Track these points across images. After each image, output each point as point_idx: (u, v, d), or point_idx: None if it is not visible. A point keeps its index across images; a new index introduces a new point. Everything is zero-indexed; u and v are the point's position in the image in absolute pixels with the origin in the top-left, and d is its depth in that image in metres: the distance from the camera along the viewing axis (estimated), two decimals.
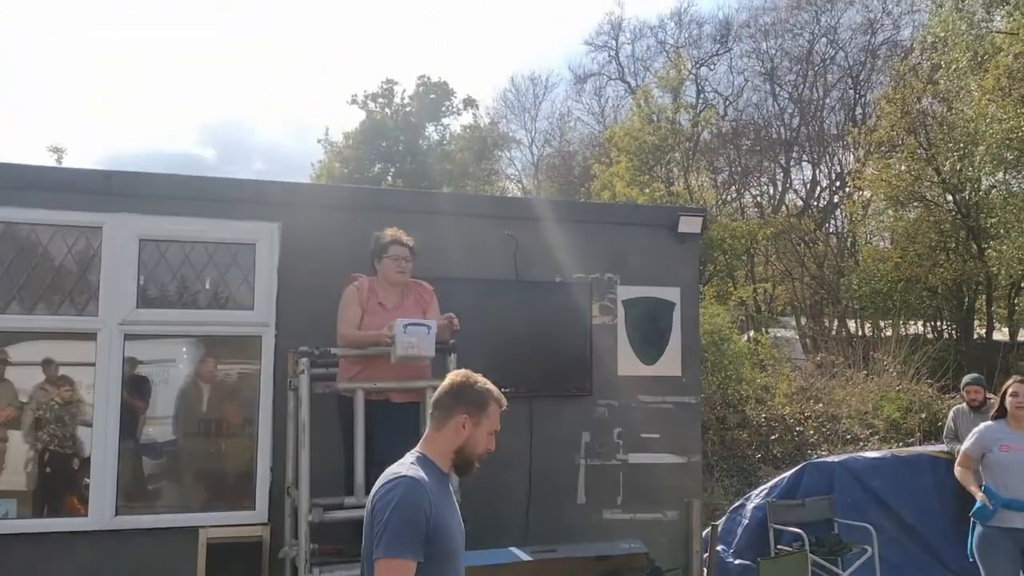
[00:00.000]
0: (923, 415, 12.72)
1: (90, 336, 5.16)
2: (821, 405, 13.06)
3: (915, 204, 19.55)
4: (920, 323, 20.03)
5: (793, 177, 29.50)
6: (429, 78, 30.04)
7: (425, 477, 2.68)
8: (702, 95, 30.34)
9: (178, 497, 5.96)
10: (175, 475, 6.25)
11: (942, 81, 18.46)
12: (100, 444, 5.04)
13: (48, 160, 17.30)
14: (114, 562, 5.00)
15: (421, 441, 2.87)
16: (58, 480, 6.06)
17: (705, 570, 6.15)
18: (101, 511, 4.98)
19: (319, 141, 31.53)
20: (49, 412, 6.38)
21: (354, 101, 29.87)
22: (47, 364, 6.45)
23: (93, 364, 5.16)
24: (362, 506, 4.63)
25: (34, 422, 6.17)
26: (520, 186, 35.01)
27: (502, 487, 5.63)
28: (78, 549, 4.99)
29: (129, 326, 5.12)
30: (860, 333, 20.54)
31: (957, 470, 5.60)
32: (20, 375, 6.29)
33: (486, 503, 5.40)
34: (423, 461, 2.77)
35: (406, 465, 2.74)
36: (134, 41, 57.79)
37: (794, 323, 23.54)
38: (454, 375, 2.91)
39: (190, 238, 5.29)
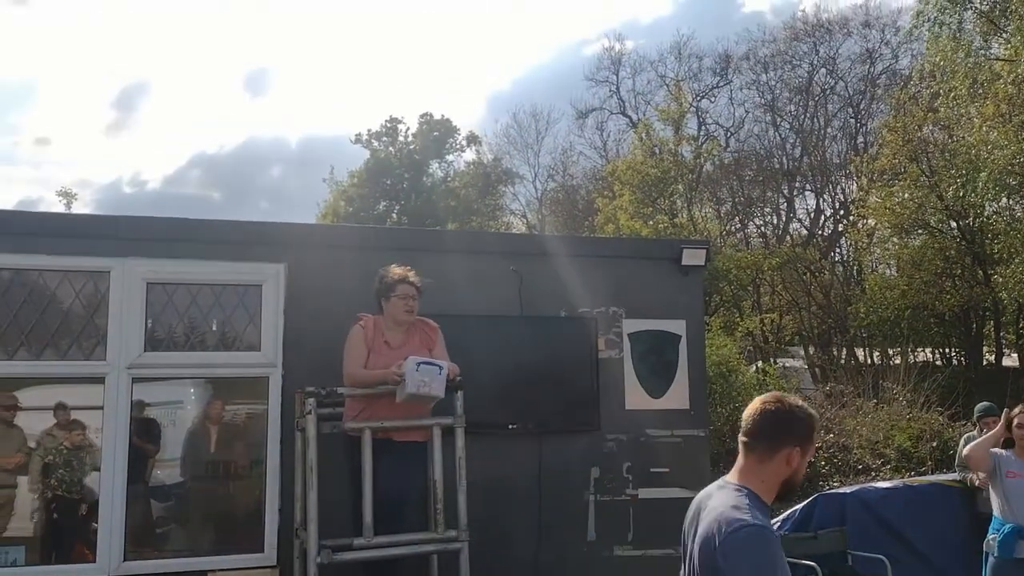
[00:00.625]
0: (934, 443, 12.63)
1: (98, 380, 5.15)
2: (832, 435, 12.96)
3: (919, 231, 19.60)
4: (929, 350, 19.96)
5: (797, 207, 29.59)
6: (432, 116, 30.40)
7: (768, 522, 2.36)
8: (703, 127, 30.57)
9: (186, 540, 5.93)
10: (183, 518, 6.21)
11: (942, 109, 18.58)
12: (108, 489, 5.02)
13: (58, 204, 17.51)
14: None
15: (739, 473, 2.53)
16: (66, 526, 6.03)
17: None
18: (109, 557, 4.96)
19: (324, 180, 31.81)
20: (58, 457, 6.38)
21: (358, 140, 30.21)
22: (57, 409, 6.46)
23: (101, 408, 5.13)
24: (371, 547, 4.64)
25: (43, 467, 6.17)
26: (524, 221, 35.12)
27: (511, 524, 5.59)
28: None
29: (137, 369, 5.13)
30: (869, 361, 20.47)
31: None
32: (29, 420, 6.29)
33: (495, 541, 5.37)
34: (753, 498, 2.43)
35: (742, 508, 2.36)
36: (139, 82, 58.48)
37: (802, 352, 23.47)
38: (771, 402, 2.52)
39: (196, 280, 5.32)
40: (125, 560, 5.01)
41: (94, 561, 5.03)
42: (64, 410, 6.27)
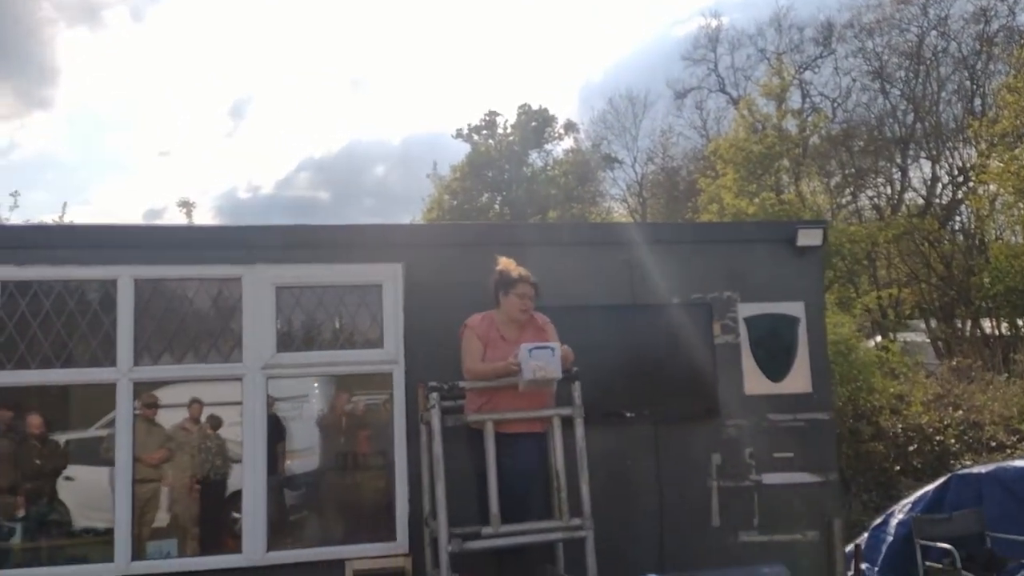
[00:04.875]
0: None
1: (236, 379, 5.43)
2: (961, 412, 12.43)
3: None
4: None
5: (911, 175, 28.28)
6: (530, 106, 30.48)
7: None
8: (808, 99, 29.56)
9: (320, 528, 6.22)
10: (315, 506, 6.51)
11: None
12: (250, 483, 5.28)
13: (179, 213, 18.44)
14: None
15: None
16: (212, 518, 6.42)
17: None
18: (254, 548, 5.23)
19: (428, 176, 32.36)
20: (200, 452, 6.79)
21: (459, 135, 30.60)
22: (192, 403, 6.86)
23: (238, 403, 5.40)
24: (499, 535, 4.75)
25: (186, 461, 6.58)
26: (625, 205, 34.83)
27: (633, 512, 5.63)
28: None
29: (271, 369, 5.39)
30: (996, 333, 19.49)
31: None
32: (170, 415, 6.72)
33: (618, 529, 5.42)
34: None
35: None
36: (249, 92, 60.73)
37: (923, 326, 22.55)
38: None
39: (321, 283, 5.55)
40: (269, 551, 5.27)
41: (240, 552, 5.29)
42: (198, 404, 6.66)
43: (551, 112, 30.51)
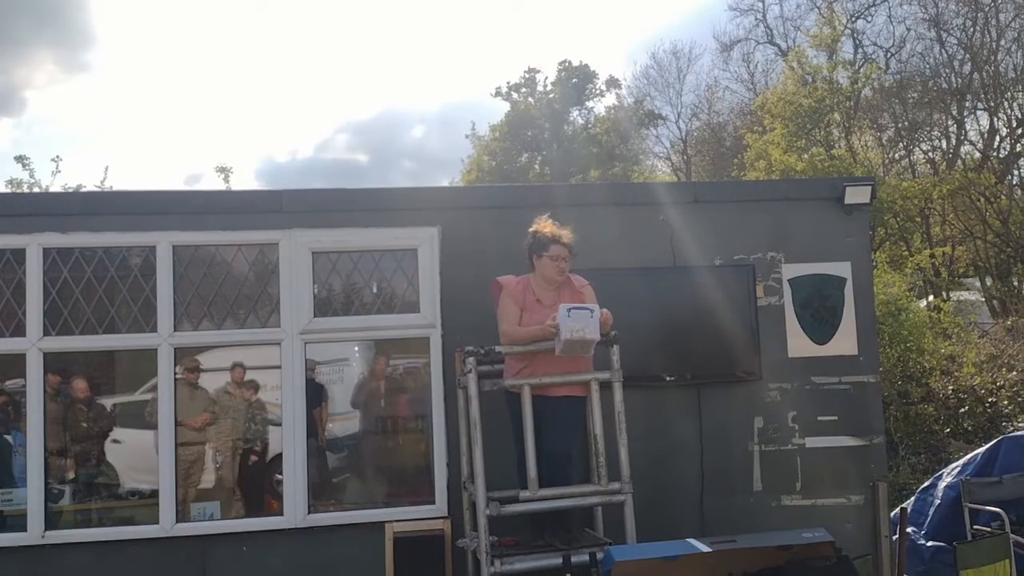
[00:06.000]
0: None
1: (274, 344, 5.46)
2: (1015, 373, 12.10)
3: None
4: None
5: (968, 128, 27.35)
6: (570, 63, 29.96)
7: None
8: (860, 49, 28.64)
9: (360, 490, 6.28)
10: (358, 471, 6.58)
11: None
12: (290, 447, 5.34)
13: (217, 179, 18.53)
14: (310, 556, 5.32)
15: None
16: (253, 480, 6.52)
17: (895, 555, 5.85)
18: (295, 510, 5.29)
19: (467, 136, 32.09)
20: (243, 416, 6.87)
21: (498, 93, 30.24)
22: (235, 367, 6.93)
23: (278, 367, 5.43)
24: (537, 499, 4.74)
25: (229, 425, 6.67)
26: (669, 163, 34.31)
27: (674, 476, 5.59)
28: (277, 546, 5.31)
29: (308, 334, 5.41)
30: None
31: None
32: (212, 379, 6.80)
33: (658, 493, 5.39)
34: None
35: None
36: (288, 56, 60.92)
37: (978, 285, 21.99)
38: None
39: (357, 247, 5.53)
40: (310, 513, 5.33)
41: (281, 514, 5.36)
42: (241, 368, 6.73)
43: (592, 68, 29.99)
